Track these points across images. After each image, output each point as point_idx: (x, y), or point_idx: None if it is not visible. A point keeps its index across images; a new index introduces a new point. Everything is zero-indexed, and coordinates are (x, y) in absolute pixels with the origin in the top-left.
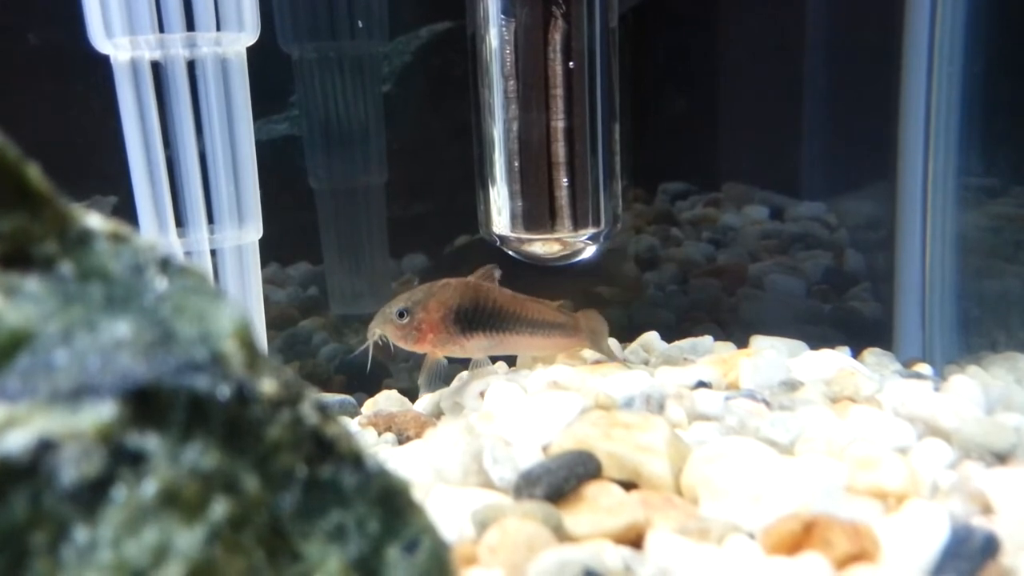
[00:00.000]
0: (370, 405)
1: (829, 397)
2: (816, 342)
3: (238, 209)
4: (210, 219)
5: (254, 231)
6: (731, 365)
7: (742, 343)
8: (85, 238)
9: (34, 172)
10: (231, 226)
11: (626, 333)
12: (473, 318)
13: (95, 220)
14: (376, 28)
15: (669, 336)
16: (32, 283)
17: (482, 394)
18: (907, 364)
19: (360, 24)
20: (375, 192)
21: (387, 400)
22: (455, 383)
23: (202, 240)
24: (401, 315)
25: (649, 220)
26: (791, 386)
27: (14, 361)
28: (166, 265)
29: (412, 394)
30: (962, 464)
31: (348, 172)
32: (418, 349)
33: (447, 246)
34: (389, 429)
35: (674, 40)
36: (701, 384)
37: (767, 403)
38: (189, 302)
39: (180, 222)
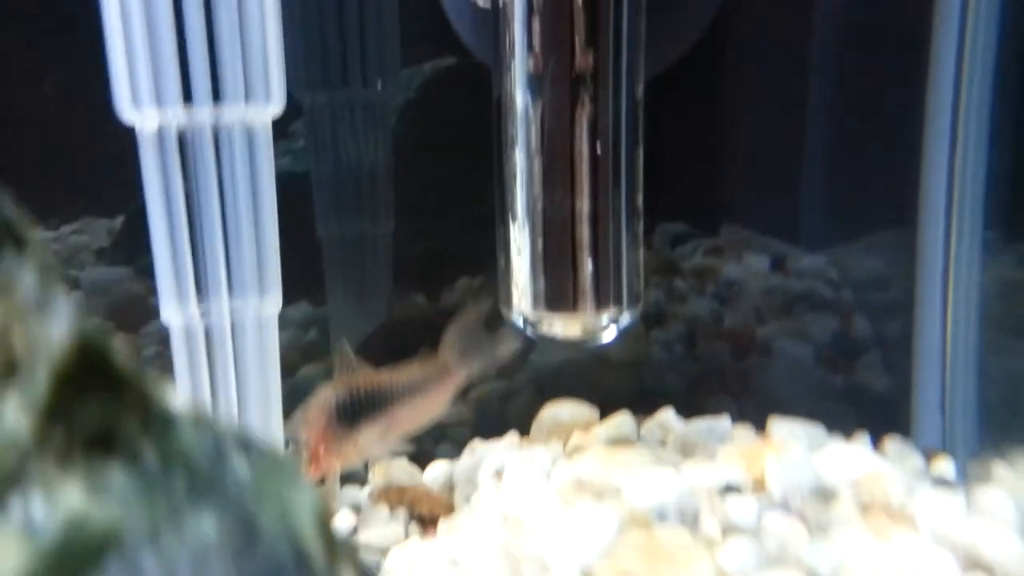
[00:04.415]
0: (379, 471)
1: (860, 507)
2: (830, 421)
3: (259, 279)
4: (230, 290)
5: (274, 303)
6: (754, 459)
7: (758, 421)
8: (167, 423)
9: (118, 352)
10: (252, 296)
11: (639, 401)
12: (353, 408)
13: (176, 403)
14: (389, 79)
15: (680, 406)
16: (116, 474)
17: (499, 474)
18: (928, 456)
19: (379, 86)
20: (382, 240)
21: (397, 469)
22: (466, 455)
23: (223, 311)
24: (287, 445)
25: (652, 270)
26: (823, 496)
27: (103, 567)
28: (246, 447)
29: (420, 460)
30: None
31: (356, 221)
32: (318, 469)
33: (447, 289)
34: (400, 503)
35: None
36: (729, 488)
37: (803, 519)
38: (269, 487)
39: (200, 291)
